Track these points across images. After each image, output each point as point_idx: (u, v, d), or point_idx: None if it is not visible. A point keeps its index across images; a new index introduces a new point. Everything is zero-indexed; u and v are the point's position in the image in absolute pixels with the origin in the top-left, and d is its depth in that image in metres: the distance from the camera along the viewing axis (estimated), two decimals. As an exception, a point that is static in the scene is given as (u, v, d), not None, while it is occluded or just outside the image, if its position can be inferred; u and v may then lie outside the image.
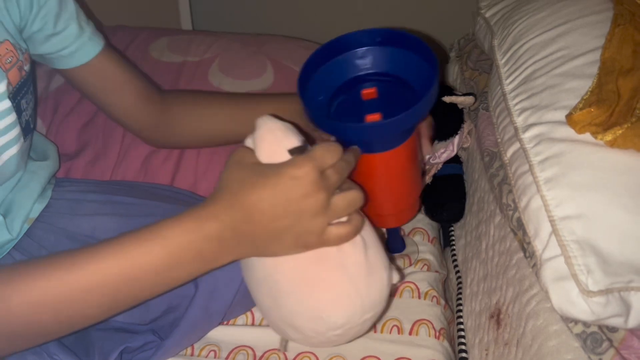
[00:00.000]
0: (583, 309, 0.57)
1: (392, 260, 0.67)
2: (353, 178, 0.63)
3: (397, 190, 0.70)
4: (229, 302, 0.72)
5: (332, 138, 0.64)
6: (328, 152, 0.54)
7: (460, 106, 0.93)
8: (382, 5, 1.43)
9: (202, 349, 0.76)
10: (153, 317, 0.73)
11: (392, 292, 0.72)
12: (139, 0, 1.37)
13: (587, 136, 0.66)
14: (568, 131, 0.67)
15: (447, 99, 0.90)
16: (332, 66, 0.66)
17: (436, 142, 0.92)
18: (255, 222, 0.53)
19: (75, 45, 0.73)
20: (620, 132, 0.63)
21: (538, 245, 0.64)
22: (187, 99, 0.84)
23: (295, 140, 0.56)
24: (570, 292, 0.58)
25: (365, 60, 0.65)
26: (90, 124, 0.96)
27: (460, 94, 0.91)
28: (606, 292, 0.57)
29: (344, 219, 0.57)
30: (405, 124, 0.59)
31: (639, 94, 0.66)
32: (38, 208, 0.76)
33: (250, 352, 0.76)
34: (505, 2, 0.97)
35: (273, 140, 0.56)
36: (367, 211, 0.69)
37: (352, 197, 0.56)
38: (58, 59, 0.73)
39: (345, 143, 0.59)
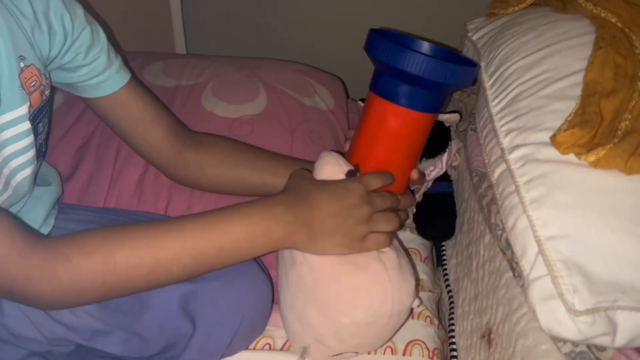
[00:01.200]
0: (570, 328, 0.58)
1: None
2: (369, 129, 0.71)
3: (395, 157, 0.72)
4: (226, 342, 0.72)
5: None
6: (375, 178, 0.69)
7: (446, 124, 0.95)
8: (374, 26, 1.45)
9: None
10: (151, 353, 0.74)
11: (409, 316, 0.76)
12: (134, 24, 1.38)
13: (572, 157, 0.68)
14: (553, 152, 0.69)
15: None
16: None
17: (424, 159, 0.93)
18: (314, 215, 0.65)
19: (103, 76, 0.74)
20: (603, 152, 0.64)
21: (525, 265, 0.65)
22: (215, 143, 0.85)
23: (350, 168, 0.70)
24: (557, 311, 0.59)
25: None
26: (84, 147, 0.97)
27: (445, 112, 0.93)
28: (592, 311, 0.57)
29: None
30: (466, 77, 0.67)
31: (620, 115, 0.67)
32: (42, 233, 0.76)
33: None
34: (492, 25, 0.99)
35: (335, 164, 0.70)
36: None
37: (391, 217, 0.69)
38: (84, 88, 0.74)
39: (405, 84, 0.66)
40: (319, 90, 1.11)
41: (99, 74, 0.73)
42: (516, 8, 1.00)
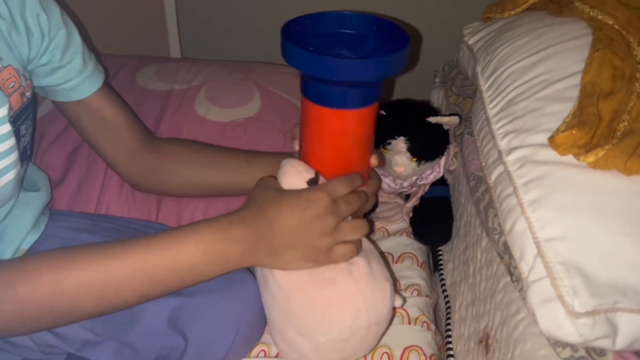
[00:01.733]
0: (570, 330, 0.57)
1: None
2: (313, 132, 0.66)
3: (348, 154, 0.68)
4: (221, 357, 0.70)
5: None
6: (340, 185, 0.64)
7: (445, 127, 0.94)
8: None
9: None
10: None
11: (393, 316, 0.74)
12: (128, 29, 1.38)
13: (570, 158, 0.67)
14: (551, 153, 0.68)
15: (432, 119, 0.91)
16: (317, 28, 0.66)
17: (422, 162, 0.93)
18: (274, 231, 0.61)
19: (78, 79, 0.73)
20: (602, 153, 0.64)
21: (524, 267, 0.64)
22: (178, 148, 0.84)
23: (311, 176, 0.66)
24: (556, 314, 0.58)
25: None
26: (76, 152, 0.95)
27: (445, 114, 0.92)
28: (593, 313, 0.57)
29: None
30: (382, 70, 0.60)
31: (619, 116, 0.67)
32: (30, 240, 0.75)
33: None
34: (488, 30, 0.98)
35: (295, 173, 0.66)
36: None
37: (358, 225, 0.65)
38: (60, 92, 0.73)
39: (324, 86, 0.61)
40: (314, 94, 1.11)
41: (75, 76, 0.72)
42: (512, 12, 1.00)
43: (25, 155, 0.71)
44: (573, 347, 0.60)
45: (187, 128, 0.98)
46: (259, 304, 0.72)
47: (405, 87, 1.52)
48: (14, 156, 0.66)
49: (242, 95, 1.04)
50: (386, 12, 1.40)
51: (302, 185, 0.65)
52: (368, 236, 0.70)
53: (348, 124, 0.64)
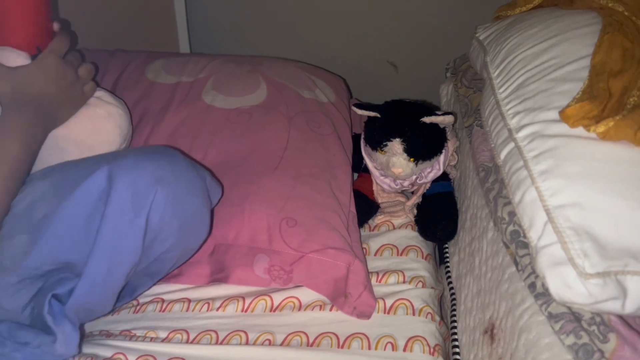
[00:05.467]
0: (580, 291, 0.57)
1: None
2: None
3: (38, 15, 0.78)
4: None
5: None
6: (62, 42, 0.79)
7: (441, 125, 0.93)
8: (379, 27, 1.45)
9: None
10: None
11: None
12: (138, 25, 1.39)
13: (580, 131, 0.67)
14: (561, 127, 0.68)
15: (426, 119, 0.91)
16: None
17: (420, 162, 0.92)
18: (43, 103, 0.75)
19: None
20: (612, 123, 0.63)
21: (533, 235, 0.63)
22: None
23: (22, 54, 0.77)
24: (567, 276, 0.58)
25: None
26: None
27: (439, 113, 0.91)
28: (603, 274, 0.56)
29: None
30: None
31: (629, 91, 0.67)
32: None
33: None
34: (499, 25, 0.98)
35: (12, 56, 0.76)
36: None
37: (89, 67, 0.82)
38: None
39: None
40: (320, 85, 1.11)
41: None
42: (523, 8, 1.00)
43: None
44: (577, 334, 0.59)
45: (193, 114, 0.98)
46: (182, 174, 0.70)
47: (413, 84, 1.51)
48: None
49: (249, 85, 1.04)
50: (396, 11, 1.41)
51: (26, 60, 0.77)
52: None
53: None
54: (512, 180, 0.70)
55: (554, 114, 0.69)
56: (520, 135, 0.71)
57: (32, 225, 0.68)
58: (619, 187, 0.61)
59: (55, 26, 0.81)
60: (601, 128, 0.63)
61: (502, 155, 0.74)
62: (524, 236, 0.65)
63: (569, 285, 0.57)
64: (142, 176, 0.67)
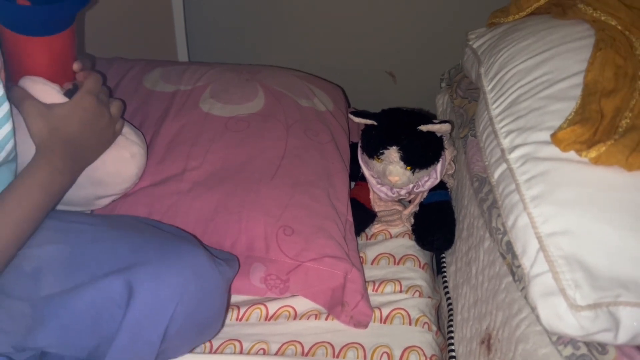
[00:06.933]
0: (572, 324, 0.57)
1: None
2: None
3: (65, 64, 0.76)
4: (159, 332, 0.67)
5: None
6: (96, 82, 0.76)
7: (438, 134, 0.93)
8: (377, 36, 1.46)
9: None
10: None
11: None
12: (137, 33, 1.39)
13: (572, 155, 0.67)
14: (553, 150, 0.68)
15: (423, 127, 0.91)
16: None
17: (417, 170, 0.92)
18: (75, 145, 0.73)
19: None
20: (604, 148, 0.63)
21: (526, 262, 0.63)
22: None
23: (69, 86, 0.76)
24: (558, 307, 0.58)
25: None
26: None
27: (436, 121, 0.92)
28: (594, 306, 0.56)
29: None
30: (51, 14, 0.70)
31: (621, 113, 0.67)
32: None
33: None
34: (492, 33, 0.98)
35: (48, 90, 0.74)
36: None
37: (120, 105, 0.80)
38: None
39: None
40: (318, 94, 1.11)
41: None
42: (516, 16, 1.00)
43: None
44: (575, 345, 0.59)
45: (191, 122, 0.98)
46: (205, 281, 0.69)
47: (411, 93, 1.52)
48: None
49: (247, 93, 1.04)
50: (395, 20, 1.41)
51: (60, 97, 0.74)
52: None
53: (41, 48, 0.73)
54: (505, 203, 0.70)
55: (546, 135, 0.69)
56: (512, 156, 0.72)
57: (36, 296, 0.67)
58: (610, 215, 0.61)
59: (76, 66, 0.78)
60: (593, 153, 0.64)
61: (496, 175, 0.74)
62: (519, 266, 0.65)
63: (560, 316, 0.57)
64: (163, 289, 0.66)
